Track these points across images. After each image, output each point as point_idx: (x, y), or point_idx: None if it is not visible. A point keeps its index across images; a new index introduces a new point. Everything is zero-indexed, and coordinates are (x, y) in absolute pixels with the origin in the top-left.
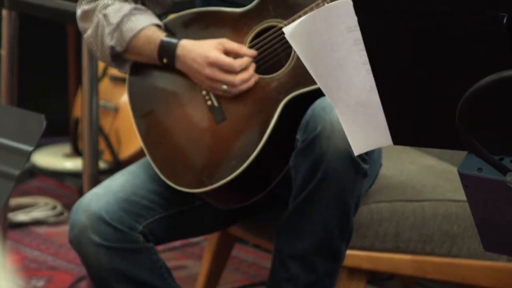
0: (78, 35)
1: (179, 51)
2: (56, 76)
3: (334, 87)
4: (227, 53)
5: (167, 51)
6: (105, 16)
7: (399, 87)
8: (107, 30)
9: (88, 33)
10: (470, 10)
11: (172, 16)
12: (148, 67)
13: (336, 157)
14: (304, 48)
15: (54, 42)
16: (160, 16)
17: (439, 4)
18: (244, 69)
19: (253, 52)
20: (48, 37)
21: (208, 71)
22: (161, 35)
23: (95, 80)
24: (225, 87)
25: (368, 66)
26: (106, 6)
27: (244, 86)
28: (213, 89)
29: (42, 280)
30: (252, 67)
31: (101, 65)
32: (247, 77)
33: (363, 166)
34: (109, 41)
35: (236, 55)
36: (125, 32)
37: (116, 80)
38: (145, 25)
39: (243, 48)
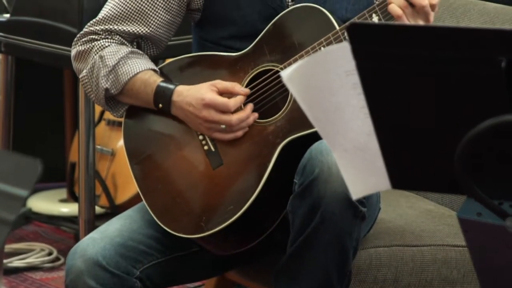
0: (75, 79)
1: (175, 97)
2: (53, 121)
3: (331, 131)
4: (222, 93)
5: (163, 97)
6: (101, 57)
7: (397, 131)
8: (103, 72)
9: (83, 74)
10: (469, 54)
11: (168, 61)
12: (144, 111)
13: (334, 200)
14: (301, 91)
15: (51, 86)
16: (156, 60)
17: (437, 49)
18: (240, 108)
19: (246, 90)
20: (44, 81)
21: (205, 113)
22: (158, 80)
23: (92, 125)
24: (221, 127)
25: (366, 110)
26: (102, 48)
27: (243, 125)
28: (211, 131)
29: None
30: (249, 106)
31: (97, 109)
32: (244, 116)
33: (361, 210)
34: (105, 83)
35: (230, 95)
36: (121, 75)
37: (113, 124)
38: (142, 69)
39: (236, 87)
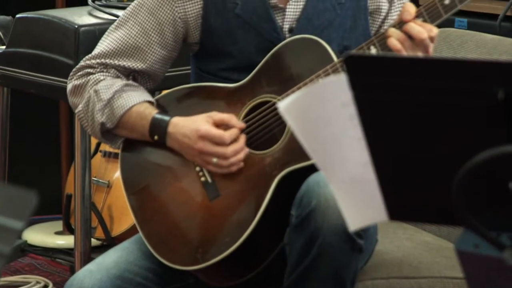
0: (71, 110)
1: (170, 128)
2: (49, 152)
3: (328, 162)
4: (217, 125)
5: (158, 128)
6: (96, 92)
7: (394, 163)
8: (98, 106)
9: (79, 108)
10: (466, 85)
11: (164, 92)
12: (140, 144)
13: (331, 232)
14: (298, 123)
15: (47, 117)
16: (153, 92)
17: (435, 80)
18: (235, 140)
19: (242, 124)
20: (40, 113)
21: (200, 144)
22: (153, 112)
23: (88, 156)
24: (215, 160)
25: (363, 142)
26: (97, 82)
27: (235, 159)
28: (205, 163)
29: None
30: (243, 138)
31: (94, 141)
32: (238, 148)
33: (359, 242)
34: (100, 118)
35: (226, 126)
36: (116, 109)
37: (109, 156)
38: (137, 102)
39: (232, 119)
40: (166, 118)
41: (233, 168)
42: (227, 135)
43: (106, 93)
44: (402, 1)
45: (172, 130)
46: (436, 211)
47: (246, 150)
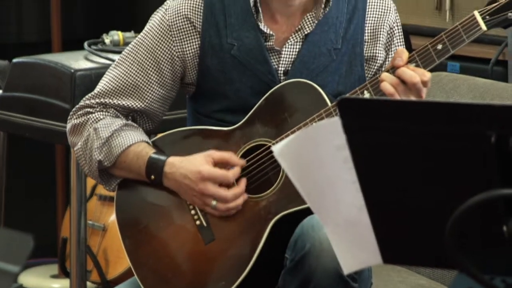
0: (67, 154)
1: (167, 168)
2: (44, 195)
3: (323, 205)
4: (217, 164)
5: (154, 168)
6: (95, 130)
7: (389, 206)
8: (96, 144)
9: (77, 146)
10: (459, 128)
11: (160, 135)
12: (136, 185)
13: (325, 276)
14: (293, 166)
15: (42, 161)
16: (148, 134)
17: (428, 123)
18: (237, 181)
19: (242, 161)
20: (36, 156)
21: (201, 186)
22: (150, 152)
23: (84, 200)
24: (214, 202)
25: (358, 185)
26: (97, 120)
27: (234, 204)
28: (204, 204)
29: None
30: (243, 182)
31: (89, 184)
32: (239, 191)
33: (353, 285)
34: (98, 155)
35: (226, 165)
36: (114, 147)
37: (104, 199)
38: (135, 141)
39: (233, 157)
40: (162, 158)
41: (231, 212)
42: (231, 174)
43: (105, 132)
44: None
45: (169, 170)
46: (430, 254)
47: (246, 196)
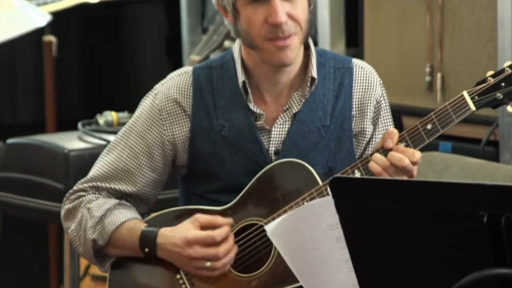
0: (60, 234)
1: (159, 239)
2: (38, 275)
3: (316, 284)
4: (204, 227)
5: (148, 241)
6: (88, 210)
7: (382, 285)
8: (90, 223)
9: (71, 228)
10: (451, 208)
11: (153, 215)
12: (128, 265)
13: None
14: (285, 245)
15: (36, 241)
16: (143, 215)
17: (420, 202)
18: (225, 239)
19: (229, 220)
20: (30, 236)
21: (190, 251)
22: (142, 226)
23: (77, 280)
24: (208, 264)
25: (351, 264)
26: (90, 201)
27: (227, 259)
28: (197, 269)
29: None
30: (232, 237)
31: (82, 264)
32: (228, 248)
33: None
34: (92, 234)
35: (213, 228)
36: (108, 225)
37: (97, 279)
38: (128, 218)
39: (218, 219)
40: (154, 230)
41: (227, 268)
42: (217, 233)
43: (98, 211)
44: (386, 123)
45: (161, 241)
46: None
47: (236, 248)
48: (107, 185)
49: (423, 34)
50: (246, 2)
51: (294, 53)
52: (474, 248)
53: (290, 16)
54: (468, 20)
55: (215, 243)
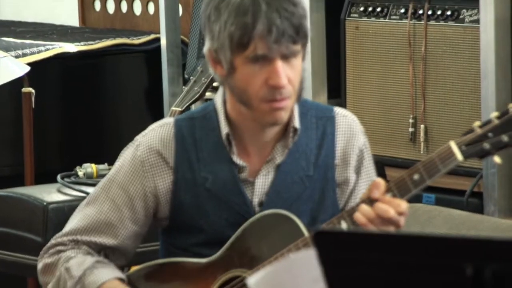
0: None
1: None
2: None
3: None
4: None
5: None
6: (67, 269)
7: None
8: (69, 284)
9: (49, 286)
10: (435, 261)
11: (134, 268)
12: None
13: None
14: None
15: None
16: (122, 268)
17: (404, 255)
18: None
19: None
20: None
21: None
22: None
23: None
24: None
25: None
26: (68, 259)
27: None
28: None
29: None
30: None
31: None
32: None
33: None
34: None
35: (196, 281)
36: (88, 285)
37: None
38: (108, 279)
39: None
40: None
41: None
42: None
43: (77, 270)
44: (369, 173)
45: None
46: None
47: None
48: (87, 238)
49: (406, 85)
50: (246, 61)
51: (287, 114)
52: None
53: (289, 79)
54: (451, 71)
55: None
